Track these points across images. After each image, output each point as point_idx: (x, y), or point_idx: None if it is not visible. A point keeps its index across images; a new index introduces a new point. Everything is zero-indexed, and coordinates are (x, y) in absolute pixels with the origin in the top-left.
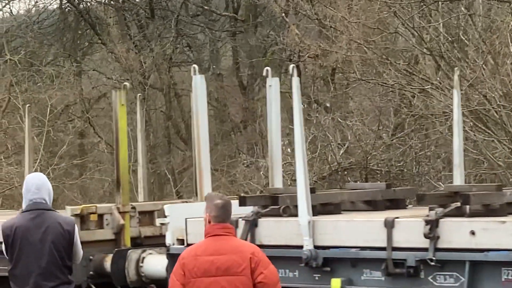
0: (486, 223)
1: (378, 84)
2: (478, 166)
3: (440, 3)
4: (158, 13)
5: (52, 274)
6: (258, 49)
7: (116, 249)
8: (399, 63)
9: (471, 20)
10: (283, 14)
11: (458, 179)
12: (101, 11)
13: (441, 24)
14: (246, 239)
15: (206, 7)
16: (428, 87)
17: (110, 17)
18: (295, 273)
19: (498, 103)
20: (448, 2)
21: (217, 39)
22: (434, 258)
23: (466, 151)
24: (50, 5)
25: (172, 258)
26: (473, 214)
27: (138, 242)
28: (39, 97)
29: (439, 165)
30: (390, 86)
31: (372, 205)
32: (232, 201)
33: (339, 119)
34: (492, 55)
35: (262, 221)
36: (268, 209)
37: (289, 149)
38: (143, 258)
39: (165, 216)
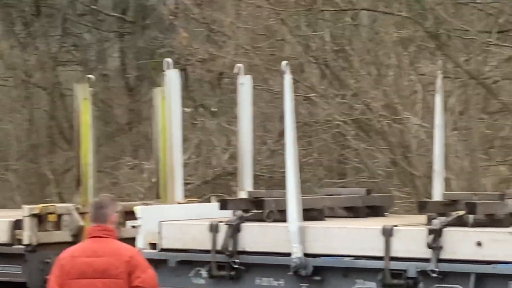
0: (494, 233)
1: (264, 90)
2: (359, 174)
3: (326, 12)
4: (44, 10)
5: None
6: (145, 51)
7: None
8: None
9: (357, 30)
10: (172, 17)
11: (439, 187)
12: None
13: (327, 33)
14: (228, 245)
15: (93, 7)
16: (312, 95)
17: None
18: (280, 282)
19: (380, 113)
20: (334, 12)
21: (104, 39)
22: (436, 269)
23: (348, 159)
24: None
25: None
26: (477, 224)
27: None
28: None
29: (321, 173)
30: (275, 92)
31: (353, 211)
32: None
33: (225, 124)
34: (376, 66)
35: (246, 226)
36: (251, 214)
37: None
38: None
39: (136, 219)
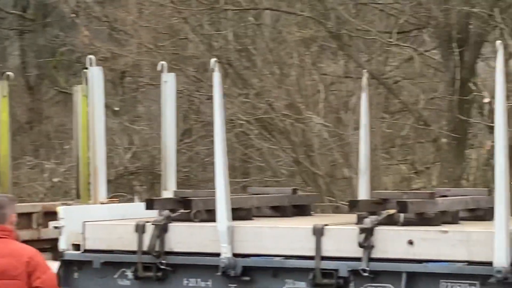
0: (426, 232)
1: None
2: (262, 173)
3: (229, 12)
4: None
5: None
6: (46, 50)
7: None
8: (188, 69)
9: (260, 30)
10: (73, 15)
11: (364, 186)
12: None
13: (230, 32)
14: (154, 245)
15: None
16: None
17: None
18: (207, 283)
19: (283, 112)
20: (237, 11)
21: (4, 37)
22: (367, 268)
23: (252, 158)
24: None
25: (67, 264)
26: (407, 223)
27: None
28: None
29: None
30: (178, 91)
31: (280, 211)
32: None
33: (127, 123)
34: (279, 65)
35: (173, 226)
36: (178, 214)
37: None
38: None
39: (58, 219)
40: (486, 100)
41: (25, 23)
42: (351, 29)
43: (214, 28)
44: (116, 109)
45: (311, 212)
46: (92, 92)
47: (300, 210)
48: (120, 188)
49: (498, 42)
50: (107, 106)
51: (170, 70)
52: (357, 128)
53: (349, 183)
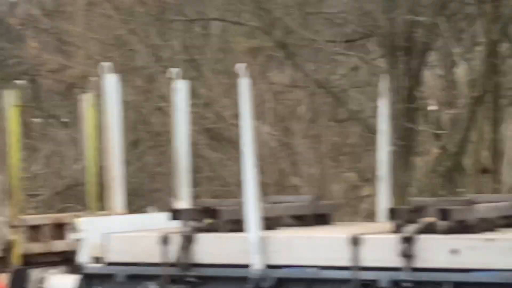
0: (470, 240)
1: None
2: (212, 183)
3: (177, 22)
4: None
5: None
6: None
7: (15, 268)
8: (136, 80)
9: (207, 40)
10: (20, 27)
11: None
12: None
13: (178, 43)
14: (181, 257)
15: None
16: (164, 104)
17: None
18: None
19: (231, 121)
20: (185, 21)
21: None
22: (410, 278)
23: (201, 168)
24: None
25: (88, 278)
26: (448, 231)
27: (28, 260)
28: None
29: (172, 182)
30: (126, 101)
31: (302, 220)
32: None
33: (76, 135)
34: (227, 75)
35: (200, 237)
36: (204, 224)
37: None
38: (44, 278)
39: (78, 231)
40: (432, 107)
41: None
42: (297, 39)
43: (162, 38)
44: (65, 120)
45: (331, 221)
46: (108, 101)
47: (321, 218)
48: (68, 199)
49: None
50: (56, 117)
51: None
52: (305, 136)
53: (297, 191)
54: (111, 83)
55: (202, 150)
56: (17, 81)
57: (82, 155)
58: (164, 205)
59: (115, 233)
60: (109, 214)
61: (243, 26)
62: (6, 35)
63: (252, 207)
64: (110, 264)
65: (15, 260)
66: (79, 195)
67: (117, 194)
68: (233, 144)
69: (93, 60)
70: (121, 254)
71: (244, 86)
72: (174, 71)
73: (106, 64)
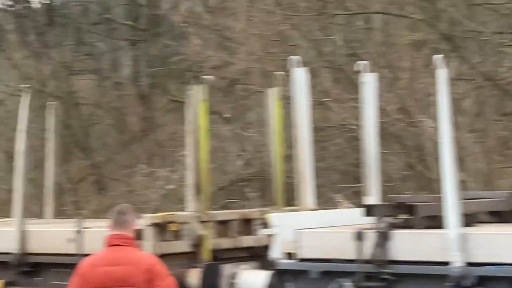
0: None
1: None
2: None
3: (339, 16)
4: (57, 20)
5: None
6: (158, 59)
7: (206, 263)
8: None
9: (369, 34)
10: (184, 24)
11: None
12: None
13: (340, 37)
14: (376, 254)
15: (106, 16)
16: (326, 99)
17: (8, 24)
18: None
19: (395, 116)
20: (347, 15)
21: (117, 48)
22: None
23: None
24: None
25: (279, 274)
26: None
27: (217, 256)
28: None
29: (336, 177)
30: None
31: (497, 216)
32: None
33: (239, 130)
34: (389, 69)
35: (396, 234)
36: (400, 220)
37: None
38: (236, 273)
39: (270, 227)
40: None
41: (137, 33)
42: (463, 31)
43: (324, 33)
44: (227, 116)
45: None
46: (297, 93)
47: None
48: (232, 195)
49: None
50: (219, 114)
51: (281, 77)
52: (471, 131)
53: (464, 186)
54: (300, 77)
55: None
56: (205, 77)
57: (245, 150)
58: (327, 202)
59: (307, 229)
60: (299, 210)
61: (406, 19)
62: (170, 33)
63: (451, 204)
64: (303, 260)
65: (205, 255)
66: (242, 191)
67: (308, 190)
68: (397, 138)
69: (255, 56)
70: (314, 250)
71: (442, 77)
72: (362, 64)
73: (294, 58)
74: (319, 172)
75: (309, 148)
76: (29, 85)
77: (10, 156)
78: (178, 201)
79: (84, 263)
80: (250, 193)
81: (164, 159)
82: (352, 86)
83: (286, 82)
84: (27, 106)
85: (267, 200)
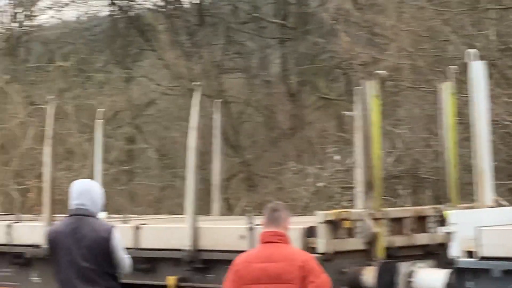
0: None
1: (430, 92)
2: None
3: (491, 11)
4: (207, 20)
5: (91, 279)
6: (306, 57)
7: (382, 261)
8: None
9: None
10: (332, 22)
11: None
12: (151, 18)
13: (492, 31)
14: None
15: (255, 14)
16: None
17: (160, 24)
18: None
19: None
20: (500, 10)
21: (266, 46)
22: None
23: None
24: (101, 12)
25: (460, 273)
26: None
27: (391, 254)
28: (89, 103)
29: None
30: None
31: None
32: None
33: (389, 127)
34: None
35: None
36: None
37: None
38: (413, 272)
39: (448, 224)
40: None
41: (285, 32)
42: None
43: (476, 28)
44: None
45: None
46: (475, 88)
47: None
48: (383, 192)
49: None
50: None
51: (431, 72)
52: None
53: None
54: (478, 71)
55: None
56: (378, 71)
57: (395, 147)
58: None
59: (488, 227)
60: (477, 207)
61: None
62: (319, 30)
63: None
64: (483, 258)
65: (379, 253)
66: (393, 188)
67: (486, 187)
68: None
69: (405, 52)
70: (496, 248)
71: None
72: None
73: (471, 51)
74: (471, 169)
75: (488, 144)
76: (199, 83)
77: (162, 154)
78: (328, 199)
79: (239, 260)
80: (401, 190)
81: (313, 157)
82: (505, 81)
83: (453, 76)
84: (198, 103)
85: (441, 197)
